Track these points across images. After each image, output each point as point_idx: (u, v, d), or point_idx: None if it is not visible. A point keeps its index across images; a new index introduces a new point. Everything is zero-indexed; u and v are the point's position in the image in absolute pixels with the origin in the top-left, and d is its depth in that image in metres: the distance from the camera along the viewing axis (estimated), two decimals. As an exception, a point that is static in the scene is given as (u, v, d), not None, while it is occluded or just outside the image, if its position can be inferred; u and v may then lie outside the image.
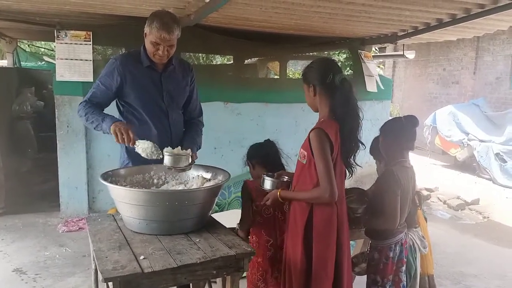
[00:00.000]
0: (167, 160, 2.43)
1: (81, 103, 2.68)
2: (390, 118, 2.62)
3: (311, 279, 2.17)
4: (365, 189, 2.79)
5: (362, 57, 6.68)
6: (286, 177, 2.49)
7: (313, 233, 2.17)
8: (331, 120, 2.21)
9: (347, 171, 2.31)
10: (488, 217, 6.19)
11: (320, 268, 2.16)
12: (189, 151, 2.49)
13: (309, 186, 2.19)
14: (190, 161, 2.49)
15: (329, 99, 2.21)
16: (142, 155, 2.43)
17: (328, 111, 2.23)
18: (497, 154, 7.89)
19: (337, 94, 2.18)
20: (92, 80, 5.25)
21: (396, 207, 2.44)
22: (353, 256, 2.79)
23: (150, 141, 2.46)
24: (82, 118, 2.65)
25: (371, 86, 6.64)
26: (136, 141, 2.43)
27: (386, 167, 2.60)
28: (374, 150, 2.87)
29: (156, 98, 2.71)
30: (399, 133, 2.55)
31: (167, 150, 2.44)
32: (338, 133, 2.18)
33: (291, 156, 6.80)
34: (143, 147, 2.42)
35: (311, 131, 2.17)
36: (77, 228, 5.04)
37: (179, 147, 2.49)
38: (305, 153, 2.20)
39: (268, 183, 2.43)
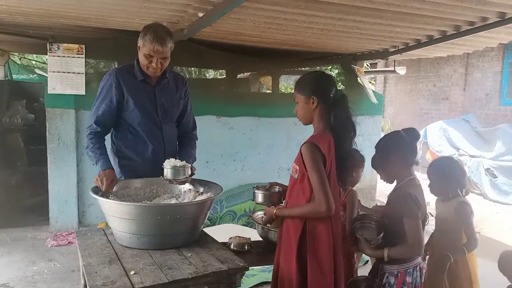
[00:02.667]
0: (168, 173, 2.45)
1: (87, 128, 2.68)
2: (387, 133, 2.55)
3: None
4: (369, 207, 2.76)
5: (356, 71, 6.75)
6: (278, 188, 2.48)
7: (307, 250, 2.13)
8: (325, 133, 2.20)
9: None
10: (479, 232, 6.19)
11: (316, 286, 2.11)
12: (185, 162, 2.50)
13: (302, 201, 2.16)
14: (189, 172, 2.50)
15: (328, 113, 2.20)
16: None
17: (324, 125, 2.21)
18: (487, 169, 7.94)
19: (338, 110, 2.18)
20: (84, 93, 5.25)
21: (420, 232, 2.28)
22: (352, 279, 2.59)
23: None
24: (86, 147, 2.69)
25: (373, 98, 6.74)
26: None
27: (397, 187, 2.44)
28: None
29: (150, 112, 2.71)
30: (403, 148, 2.40)
31: (166, 164, 2.46)
32: (332, 146, 2.17)
33: (283, 170, 6.82)
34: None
35: (302, 145, 2.16)
36: (67, 243, 4.97)
37: (176, 160, 2.51)
38: (297, 167, 2.17)
39: (259, 197, 2.44)
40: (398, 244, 2.31)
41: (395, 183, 2.49)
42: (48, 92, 5.20)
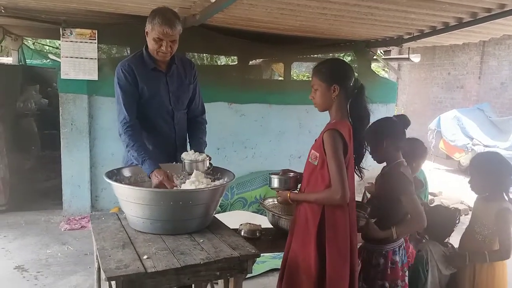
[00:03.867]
0: (187, 166, 2.45)
1: (122, 124, 2.57)
2: (381, 117, 2.57)
3: (325, 284, 2.13)
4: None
5: (373, 57, 6.70)
6: (292, 174, 2.48)
7: (326, 236, 2.14)
8: (344, 121, 2.21)
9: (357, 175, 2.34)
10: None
11: (334, 272, 2.13)
12: (204, 155, 2.50)
13: (321, 187, 2.16)
14: (207, 165, 2.49)
15: (346, 101, 2.24)
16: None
17: (343, 113, 2.23)
18: (501, 160, 7.84)
19: (357, 99, 2.23)
20: (96, 79, 5.27)
21: (419, 205, 2.38)
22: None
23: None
24: (124, 146, 2.62)
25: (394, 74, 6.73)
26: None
27: (386, 169, 2.53)
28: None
29: (164, 99, 2.70)
30: (396, 133, 2.51)
31: (185, 156, 2.46)
32: (351, 134, 2.20)
33: (294, 158, 6.80)
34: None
35: (324, 131, 2.15)
36: (79, 227, 5.04)
37: (195, 152, 2.51)
38: (317, 154, 2.17)
39: (275, 181, 2.43)
40: (398, 222, 2.41)
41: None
42: (61, 77, 5.22)
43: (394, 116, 2.63)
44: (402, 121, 2.54)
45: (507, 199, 2.62)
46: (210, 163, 2.54)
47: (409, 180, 2.40)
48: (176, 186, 2.42)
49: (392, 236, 2.39)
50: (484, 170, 2.68)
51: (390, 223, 2.42)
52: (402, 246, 2.51)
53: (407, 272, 2.54)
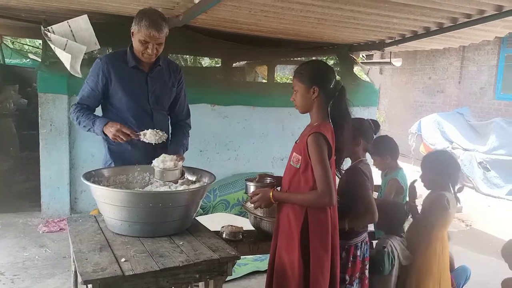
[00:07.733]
0: (158, 174, 2.42)
1: (72, 105, 2.72)
2: (357, 117, 2.63)
3: (309, 284, 2.15)
4: None
5: (356, 60, 6.76)
6: (269, 179, 2.48)
7: (309, 237, 2.16)
8: (327, 123, 2.23)
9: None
10: (470, 225, 6.25)
11: (318, 271, 2.15)
12: (180, 164, 2.45)
13: (304, 190, 2.18)
14: (179, 175, 2.46)
15: (327, 103, 2.24)
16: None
17: (324, 115, 2.24)
18: (480, 163, 7.97)
19: (337, 101, 2.23)
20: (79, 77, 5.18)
21: (372, 200, 2.55)
22: None
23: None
24: (74, 122, 2.70)
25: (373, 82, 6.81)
26: (140, 133, 2.50)
27: (349, 167, 2.68)
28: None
29: (141, 99, 2.69)
30: (368, 134, 2.72)
31: (156, 163, 2.42)
32: (334, 135, 2.22)
33: (277, 160, 6.80)
34: (148, 135, 2.47)
35: (308, 135, 2.15)
36: (58, 229, 4.95)
37: (166, 157, 2.46)
38: (299, 157, 2.18)
39: (252, 188, 2.42)
40: (352, 214, 2.54)
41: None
42: (41, 70, 5.08)
43: (368, 119, 2.79)
44: (375, 125, 2.78)
45: (452, 191, 2.87)
46: (183, 172, 2.52)
47: (366, 176, 2.56)
48: (135, 134, 2.50)
49: (344, 227, 2.49)
50: (435, 167, 2.92)
51: (346, 215, 2.52)
52: (365, 241, 2.64)
53: (367, 265, 2.66)
